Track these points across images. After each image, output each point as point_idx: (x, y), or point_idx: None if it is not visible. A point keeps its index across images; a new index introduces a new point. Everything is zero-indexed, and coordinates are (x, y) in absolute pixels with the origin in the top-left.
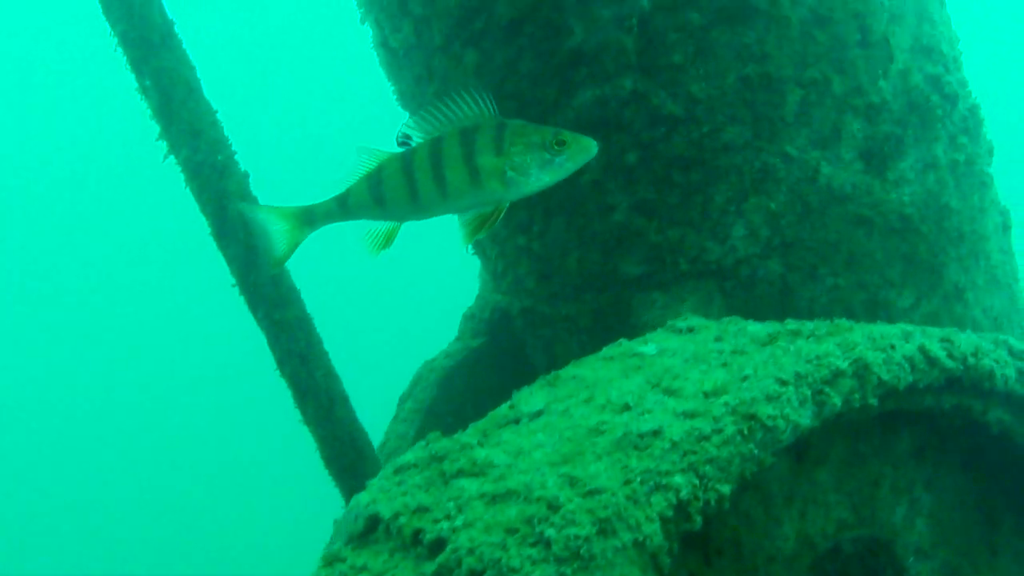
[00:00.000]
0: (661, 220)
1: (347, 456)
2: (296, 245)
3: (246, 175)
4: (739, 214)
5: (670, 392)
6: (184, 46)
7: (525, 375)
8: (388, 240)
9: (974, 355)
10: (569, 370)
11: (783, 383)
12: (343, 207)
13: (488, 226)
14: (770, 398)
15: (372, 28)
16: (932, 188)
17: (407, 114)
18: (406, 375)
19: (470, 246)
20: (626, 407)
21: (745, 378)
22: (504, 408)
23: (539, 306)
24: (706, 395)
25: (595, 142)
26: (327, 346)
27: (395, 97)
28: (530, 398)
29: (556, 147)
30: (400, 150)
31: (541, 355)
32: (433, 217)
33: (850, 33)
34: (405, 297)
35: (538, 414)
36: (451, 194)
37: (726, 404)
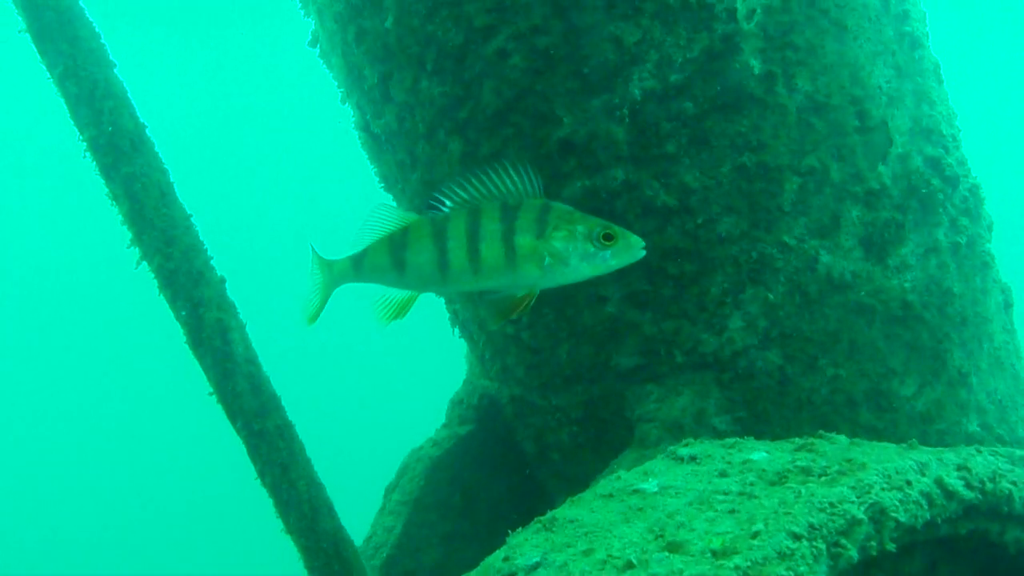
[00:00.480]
0: (655, 312)
1: (332, 568)
2: (324, 300)
3: (223, 280)
4: (736, 305)
5: (675, 547)
6: (156, 148)
7: (515, 464)
8: (402, 310)
9: (991, 479)
10: (566, 511)
11: (796, 537)
12: (357, 268)
13: (520, 311)
14: (783, 556)
15: (353, 111)
16: (934, 273)
17: (389, 196)
18: (394, 461)
19: (457, 328)
20: (629, 565)
21: (755, 534)
22: (499, 560)
23: (529, 395)
24: (715, 555)
25: (643, 242)
26: (312, 425)
27: (377, 179)
28: (525, 546)
29: (602, 241)
30: (424, 215)
31: (531, 444)
32: (455, 292)
33: (848, 119)
34: (391, 377)
35: (535, 567)
36: (483, 271)
37: (737, 568)
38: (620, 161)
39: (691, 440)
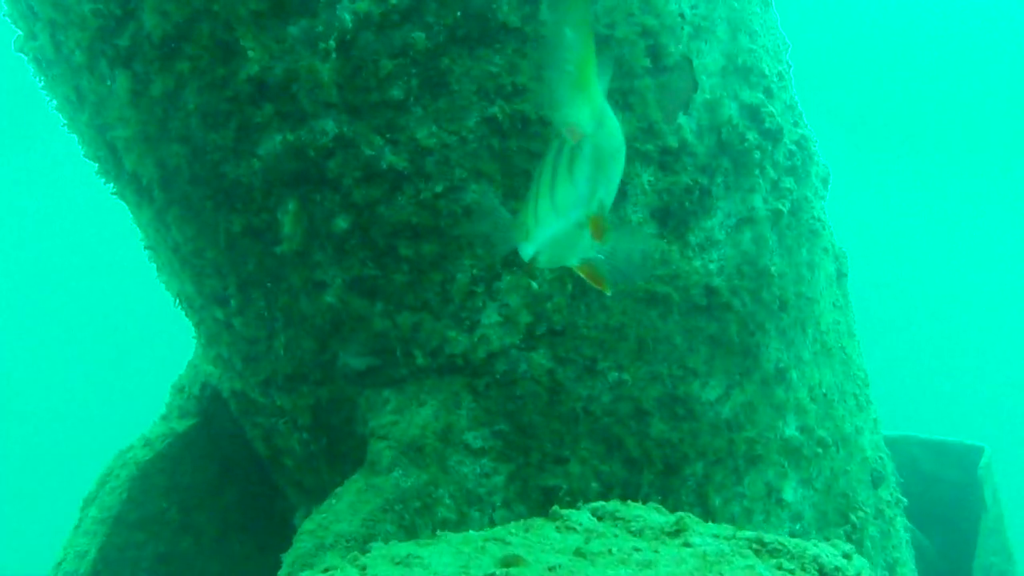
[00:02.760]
0: (388, 303)
1: None
2: None
3: None
4: (490, 295)
5: None
6: None
7: (248, 465)
8: None
9: None
10: None
11: None
12: None
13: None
14: None
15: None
16: (748, 250)
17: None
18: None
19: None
20: None
21: None
22: None
23: (250, 392)
24: None
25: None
26: None
27: None
28: None
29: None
30: None
31: (262, 445)
32: None
33: (637, 57)
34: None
35: None
36: None
37: None
38: (330, 109)
39: (357, 556)
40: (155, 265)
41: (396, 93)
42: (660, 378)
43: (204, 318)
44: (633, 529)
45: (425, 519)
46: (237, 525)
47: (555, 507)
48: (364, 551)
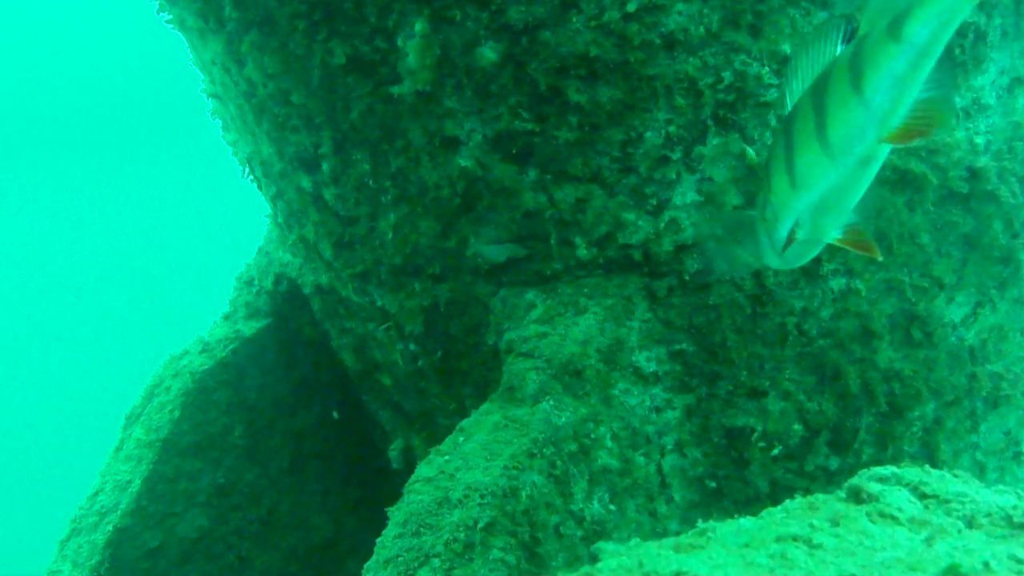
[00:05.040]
0: (544, 170)
1: None
2: None
3: None
4: (688, 165)
5: None
6: None
7: (331, 382)
8: None
9: None
10: None
11: None
12: None
13: None
14: None
15: None
16: (1022, 120)
17: None
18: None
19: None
20: None
21: None
22: None
23: (341, 288)
24: None
25: None
26: None
27: None
28: None
29: None
30: None
31: (351, 357)
32: None
33: None
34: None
35: None
36: None
37: None
38: None
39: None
40: (219, 122)
41: None
42: (899, 289)
43: (284, 189)
44: (961, 515)
45: (581, 467)
46: (315, 454)
47: (857, 481)
48: (591, 557)
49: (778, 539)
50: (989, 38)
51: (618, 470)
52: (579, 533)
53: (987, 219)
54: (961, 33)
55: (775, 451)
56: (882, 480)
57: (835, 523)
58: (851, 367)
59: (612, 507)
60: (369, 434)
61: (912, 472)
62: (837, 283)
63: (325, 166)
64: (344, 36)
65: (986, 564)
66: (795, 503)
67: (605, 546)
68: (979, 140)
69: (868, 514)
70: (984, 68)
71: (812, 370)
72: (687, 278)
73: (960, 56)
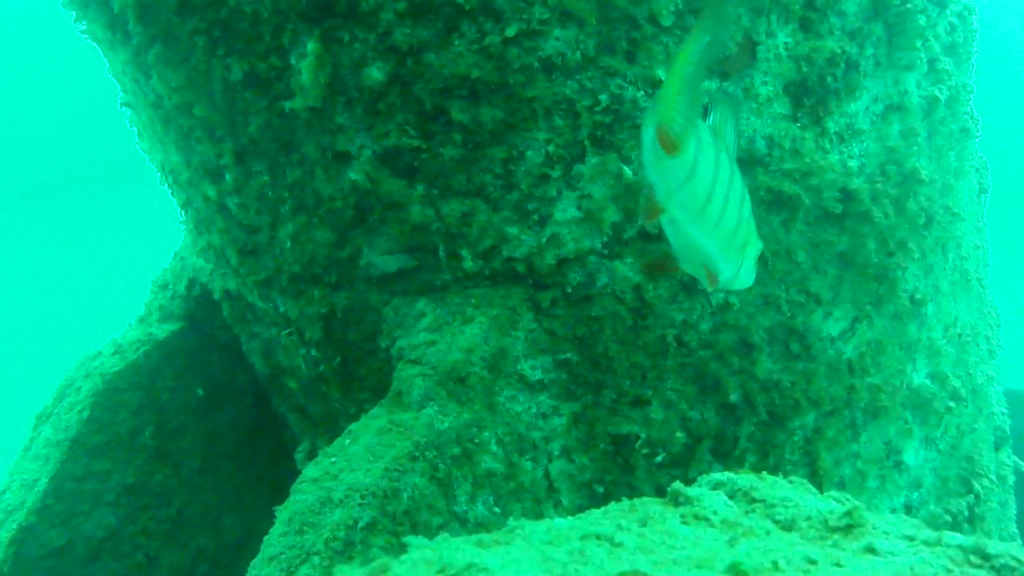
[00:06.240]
0: (431, 184)
1: None
2: None
3: None
4: (568, 182)
5: None
6: None
7: (243, 383)
8: None
9: None
10: None
11: None
12: None
13: None
14: None
15: None
16: (895, 145)
17: None
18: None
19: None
20: None
21: None
22: None
23: (248, 294)
24: None
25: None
26: None
27: None
28: None
29: None
30: None
31: (260, 361)
32: None
33: None
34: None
35: None
36: None
37: None
38: None
39: (387, 565)
40: (135, 129)
41: None
42: (775, 303)
43: (192, 196)
44: (782, 519)
45: (464, 470)
46: (227, 455)
47: (675, 485)
48: (400, 548)
49: (583, 537)
50: (862, 67)
51: (503, 474)
52: (463, 534)
53: (861, 238)
54: (832, 63)
55: (659, 458)
56: (717, 485)
57: (643, 523)
58: (731, 378)
59: (496, 509)
60: (281, 436)
61: (746, 478)
62: (716, 297)
63: (228, 176)
64: (241, 53)
65: (775, 563)
66: (618, 505)
67: (415, 540)
68: (852, 163)
69: (683, 516)
70: (857, 95)
71: (693, 380)
72: (569, 291)
73: (832, 83)
